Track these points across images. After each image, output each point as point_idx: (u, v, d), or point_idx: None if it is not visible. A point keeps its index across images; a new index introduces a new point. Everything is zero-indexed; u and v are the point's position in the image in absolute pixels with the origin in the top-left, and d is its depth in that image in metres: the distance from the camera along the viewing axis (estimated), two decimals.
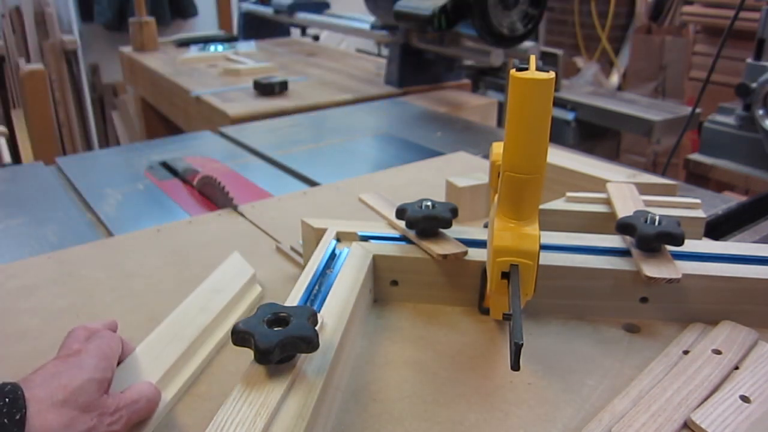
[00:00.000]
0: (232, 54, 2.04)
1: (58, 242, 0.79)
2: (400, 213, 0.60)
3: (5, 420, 0.37)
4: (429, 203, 0.59)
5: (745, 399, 0.44)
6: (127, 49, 2.23)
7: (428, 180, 0.93)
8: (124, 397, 0.43)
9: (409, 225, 0.59)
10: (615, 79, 3.37)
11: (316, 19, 2.13)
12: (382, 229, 0.62)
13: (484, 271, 0.55)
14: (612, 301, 0.56)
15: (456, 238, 0.58)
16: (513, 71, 0.43)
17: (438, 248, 0.57)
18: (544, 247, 0.55)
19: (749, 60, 1.42)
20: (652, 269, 0.53)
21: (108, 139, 3.25)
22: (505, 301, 0.47)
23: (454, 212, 0.59)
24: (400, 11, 1.43)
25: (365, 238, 0.61)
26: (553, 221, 0.65)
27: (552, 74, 0.42)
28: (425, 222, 0.58)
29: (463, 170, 0.83)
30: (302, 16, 2.19)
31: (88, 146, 3.03)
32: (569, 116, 1.82)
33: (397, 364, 0.51)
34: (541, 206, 0.60)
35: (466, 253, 0.56)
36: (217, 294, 0.57)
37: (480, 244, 0.58)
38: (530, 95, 0.42)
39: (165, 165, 1.08)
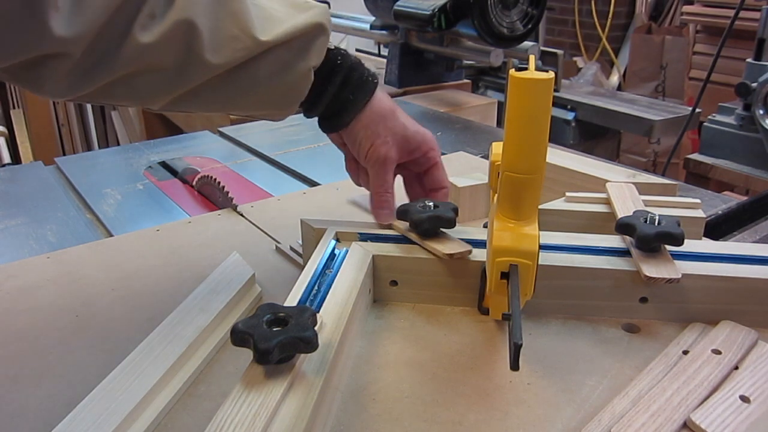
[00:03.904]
0: None
1: (57, 242, 0.79)
2: (402, 214, 0.59)
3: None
4: (431, 203, 0.59)
5: (744, 399, 0.44)
6: None
7: None
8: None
9: (414, 225, 0.59)
10: (615, 79, 3.38)
11: None
12: (381, 229, 0.62)
13: (484, 271, 0.55)
14: (612, 301, 0.56)
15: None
16: (512, 71, 0.43)
17: (443, 248, 0.56)
18: (544, 247, 0.55)
19: (749, 60, 1.43)
20: (651, 269, 0.53)
21: (107, 139, 3.25)
22: (504, 301, 0.47)
23: (456, 212, 0.59)
24: (399, 11, 1.44)
25: (365, 238, 0.61)
26: (552, 221, 0.65)
27: (551, 74, 0.42)
28: (429, 222, 0.58)
29: (463, 170, 0.83)
30: None
31: (88, 146, 3.02)
32: (569, 116, 1.82)
33: (397, 365, 0.51)
34: (541, 206, 0.60)
35: (470, 251, 0.56)
36: (217, 294, 0.57)
37: (480, 244, 0.58)
38: (530, 95, 0.42)
39: (164, 165, 1.08)
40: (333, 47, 0.58)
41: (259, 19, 0.51)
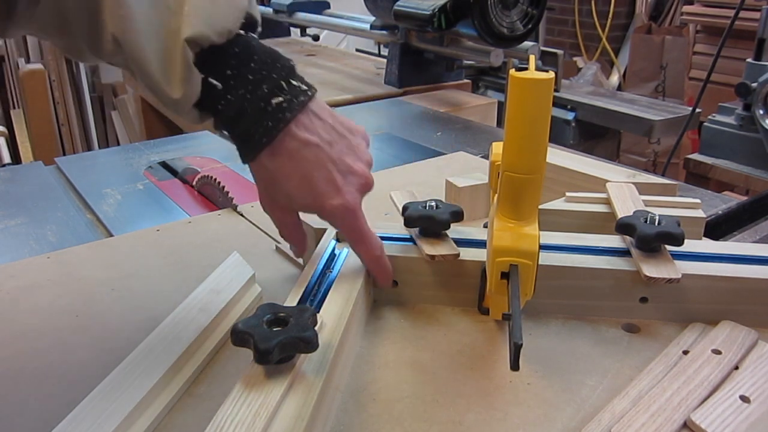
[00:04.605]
0: None
1: (57, 242, 0.79)
2: (402, 211, 0.59)
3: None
4: (434, 203, 0.59)
5: (744, 399, 0.44)
6: None
7: (428, 180, 0.92)
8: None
9: (406, 224, 0.59)
10: (615, 79, 3.38)
11: (316, 19, 2.13)
12: (381, 230, 0.62)
13: (484, 271, 0.55)
14: (612, 301, 0.56)
15: (455, 238, 0.58)
16: (512, 71, 0.43)
17: (430, 248, 0.56)
18: (544, 247, 0.55)
19: (749, 60, 1.43)
20: (651, 269, 0.53)
21: (108, 139, 3.25)
22: (504, 301, 0.47)
23: (456, 215, 0.58)
24: (399, 11, 1.44)
25: None
26: (552, 221, 0.65)
27: (551, 74, 0.42)
28: (421, 221, 0.58)
29: (463, 170, 0.83)
30: (302, 16, 2.19)
31: (88, 146, 3.03)
32: (569, 116, 1.82)
33: (397, 364, 0.51)
34: (541, 206, 0.60)
35: (457, 255, 0.56)
36: (217, 294, 0.57)
37: (479, 244, 0.58)
38: (530, 95, 0.42)
39: (164, 165, 1.08)
40: (220, 86, 0.46)
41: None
